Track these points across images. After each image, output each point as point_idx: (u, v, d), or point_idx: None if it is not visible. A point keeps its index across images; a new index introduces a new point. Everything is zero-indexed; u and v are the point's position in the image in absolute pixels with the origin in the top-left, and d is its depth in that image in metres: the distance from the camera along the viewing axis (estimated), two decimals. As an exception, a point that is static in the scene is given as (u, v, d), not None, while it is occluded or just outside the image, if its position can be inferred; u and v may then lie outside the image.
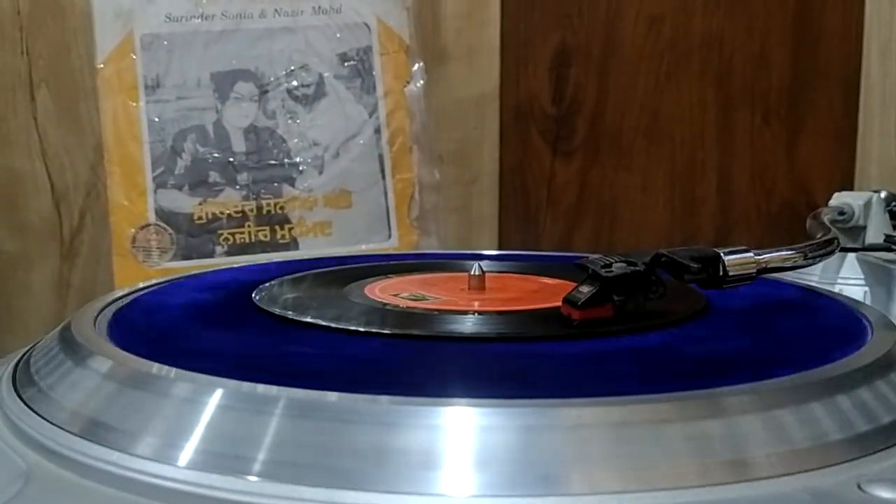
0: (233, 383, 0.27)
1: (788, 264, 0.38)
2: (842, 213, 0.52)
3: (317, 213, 0.64)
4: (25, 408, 0.29)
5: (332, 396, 0.26)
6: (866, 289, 0.51)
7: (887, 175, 0.76)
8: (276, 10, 0.64)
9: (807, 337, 0.34)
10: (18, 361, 0.35)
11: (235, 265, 0.53)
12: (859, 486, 0.24)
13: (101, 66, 0.62)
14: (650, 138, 0.79)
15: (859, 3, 0.76)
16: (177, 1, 0.63)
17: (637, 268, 0.34)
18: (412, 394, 0.26)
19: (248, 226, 0.63)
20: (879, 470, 0.24)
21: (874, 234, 0.53)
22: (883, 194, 0.55)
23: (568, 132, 0.79)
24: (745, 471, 0.24)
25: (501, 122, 0.79)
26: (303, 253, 0.64)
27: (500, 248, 0.77)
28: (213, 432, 0.26)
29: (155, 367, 0.29)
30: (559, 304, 0.34)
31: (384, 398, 0.25)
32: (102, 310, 0.38)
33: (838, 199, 0.54)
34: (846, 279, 0.52)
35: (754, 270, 0.36)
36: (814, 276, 0.52)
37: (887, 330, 0.34)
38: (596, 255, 0.35)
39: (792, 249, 0.38)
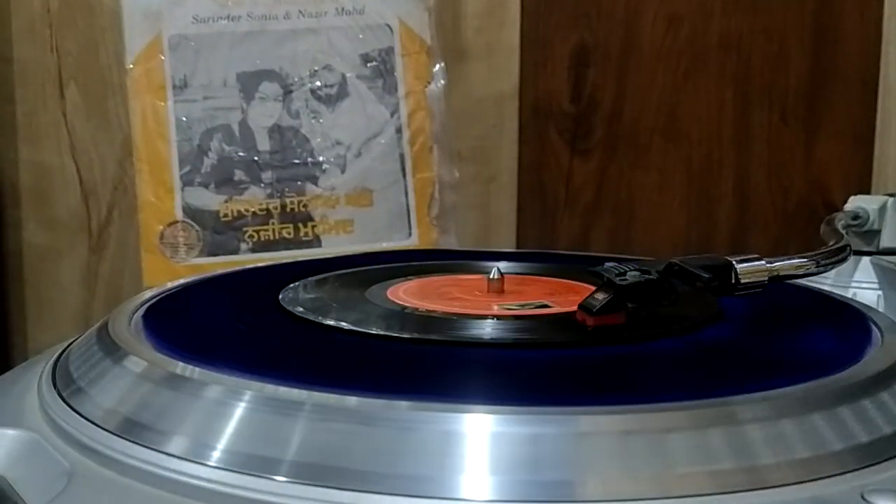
0: (259, 386, 0.28)
1: (801, 272, 0.39)
2: (856, 217, 0.53)
3: (339, 211, 0.66)
4: (66, 407, 0.31)
5: (353, 401, 0.27)
6: (880, 292, 0.52)
7: (905, 176, 0.76)
8: (300, 12, 0.66)
9: (815, 345, 0.35)
10: (57, 359, 0.36)
11: (261, 263, 0.55)
12: (863, 496, 0.25)
13: (131, 66, 0.64)
14: (667, 137, 0.79)
15: (878, 5, 0.76)
16: (204, 3, 0.64)
17: (650, 276, 0.35)
18: (431, 399, 0.27)
19: (273, 223, 0.65)
20: (882, 480, 0.25)
21: (889, 238, 0.53)
22: (899, 198, 0.55)
23: (586, 131, 0.80)
24: (753, 480, 0.25)
25: (520, 121, 0.79)
26: (325, 250, 0.65)
27: (517, 246, 0.78)
28: (242, 433, 0.27)
29: (187, 370, 0.30)
30: (574, 308, 0.35)
31: (403, 403, 0.26)
32: (137, 310, 0.39)
33: (853, 203, 0.54)
34: (860, 283, 0.53)
35: (766, 278, 0.37)
36: (828, 280, 0.52)
37: (895, 339, 0.35)
38: (611, 263, 0.36)
39: (804, 257, 0.39)
